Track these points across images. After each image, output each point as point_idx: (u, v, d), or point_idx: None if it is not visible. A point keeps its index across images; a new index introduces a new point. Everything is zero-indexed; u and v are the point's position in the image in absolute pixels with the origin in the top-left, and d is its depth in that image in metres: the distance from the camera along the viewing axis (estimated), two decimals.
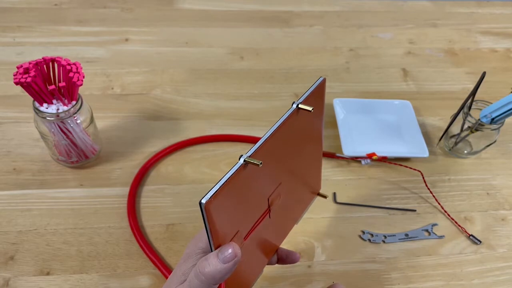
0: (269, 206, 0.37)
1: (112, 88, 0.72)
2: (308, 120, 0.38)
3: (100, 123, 0.64)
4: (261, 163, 0.31)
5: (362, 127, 0.69)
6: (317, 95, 0.38)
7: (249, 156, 0.31)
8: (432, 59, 0.84)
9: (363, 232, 0.57)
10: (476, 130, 0.62)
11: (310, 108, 0.35)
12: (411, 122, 0.69)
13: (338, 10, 0.93)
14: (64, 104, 0.53)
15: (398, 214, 0.60)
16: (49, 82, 0.53)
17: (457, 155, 0.67)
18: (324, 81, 0.38)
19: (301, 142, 0.39)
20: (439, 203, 0.61)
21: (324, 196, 0.47)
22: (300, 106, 0.35)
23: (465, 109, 0.63)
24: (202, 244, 0.36)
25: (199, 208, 0.29)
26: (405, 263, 0.55)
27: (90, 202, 0.57)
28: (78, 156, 0.59)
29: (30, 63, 0.50)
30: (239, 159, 0.31)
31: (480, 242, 0.57)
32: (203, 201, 0.29)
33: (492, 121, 0.60)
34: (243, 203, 0.32)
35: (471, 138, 0.65)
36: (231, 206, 0.32)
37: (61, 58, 0.52)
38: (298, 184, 0.42)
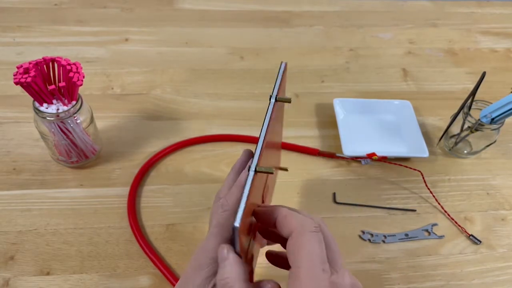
0: (263, 200, 0.37)
1: (112, 88, 0.72)
2: (279, 107, 0.39)
3: (100, 123, 0.64)
4: (273, 171, 0.31)
5: (362, 127, 0.69)
6: (282, 81, 0.38)
7: (257, 165, 0.31)
8: (432, 59, 0.84)
9: (363, 232, 0.57)
10: (476, 130, 0.62)
11: (288, 99, 0.35)
12: (411, 122, 0.69)
13: (338, 10, 0.93)
14: (64, 104, 0.53)
15: (398, 214, 0.60)
16: (49, 82, 0.53)
17: (457, 155, 0.67)
18: (286, 65, 0.38)
19: (276, 128, 0.39)
20: (439, 203, 0.61)
21: (285, 169, 0.49)
22: (278, 99, 0.35)
23: (465, 109, 0.63)
24: (213, 255, 0.34)
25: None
26: (405, 263, 0.55)
27: (90, 202, 0.57)
28: (78, 156, 0.59)
29: (30, 63, 0.50)
30: (249, 170, 0.31)
31: (480, 242, 0.57)
32: (236, 225, 0.28)
33: (492, 121, 0.60)
34: (252, 206, 0.33)
35: (471, 138, 0.65)
36: (248, 217, 0.32)
37: (61, 58, 0.52)
38: (276, 170, 0.43)
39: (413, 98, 0.73)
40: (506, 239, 0.58)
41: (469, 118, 0.62)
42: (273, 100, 0.35)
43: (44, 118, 0.53)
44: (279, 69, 0.37)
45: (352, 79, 0.78)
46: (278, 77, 0.37)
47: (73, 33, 0.81)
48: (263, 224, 0.34)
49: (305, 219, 0.31)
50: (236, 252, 0.31)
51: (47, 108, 0.53)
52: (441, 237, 0.58)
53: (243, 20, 0.88)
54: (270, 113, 0.34)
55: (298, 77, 0.77)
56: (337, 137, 0.66)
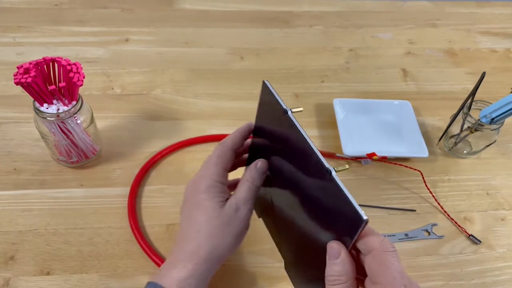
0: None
1: (112, 88, 0.72)
2: None
3: (100, 123, 0.64)
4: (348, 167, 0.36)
5: (362, 127, 0.69)
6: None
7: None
8: (432, 59, 0.84)
9: None
10: (476, 130, 0.62)
11: (301, 109, 0.39)
12: (411, 122, 0.69)
13: (338, 10, 0.93)
14: (64, 104, 0.53)
15: (398, 214, 0.60)
16: (49, 82, 0.53)
17: (456, 155, 0.67)
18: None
19: None
20: (438, 203, 0.61)
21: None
22: (293, 110, 0.39)
23: (465, 109, 0.63)
24: (216, 178, 0.42)
25: None
26: (405, 263, 0.55)
27: (90, 202, 0.57)
28: (78, 156, 0.59)
29: (30, 63, 0.50)
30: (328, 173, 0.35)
31: (480, 242, 0.57)
32: (365, 217, 0.33)
33: (492, 121, 0.60)
34: None
35: (470, 138, 0.66)
36: None
37: (61, 58, 0.52)
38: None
39: (413, 98, 0.74)
40: (505, 239, 0.58)
41: (469, 118, 0.62)
42: (290, 112, 0.38)
43: (45, 118, 0.53)
44: (268, 88, 0.40)
45: (352, 79, 0.78)
46: (274, 93, 0.39)
47: (73, 33, 0.81)
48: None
49: (385, 239, 0.34)
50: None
51: (47, 108, 0.53)
52: (441, 237, 0.58)
53: (243, 20, 0.88)
54: (298, 123, 0.37)
55: (298, 77, 0.77)
56: (337, 137, 0.66)
